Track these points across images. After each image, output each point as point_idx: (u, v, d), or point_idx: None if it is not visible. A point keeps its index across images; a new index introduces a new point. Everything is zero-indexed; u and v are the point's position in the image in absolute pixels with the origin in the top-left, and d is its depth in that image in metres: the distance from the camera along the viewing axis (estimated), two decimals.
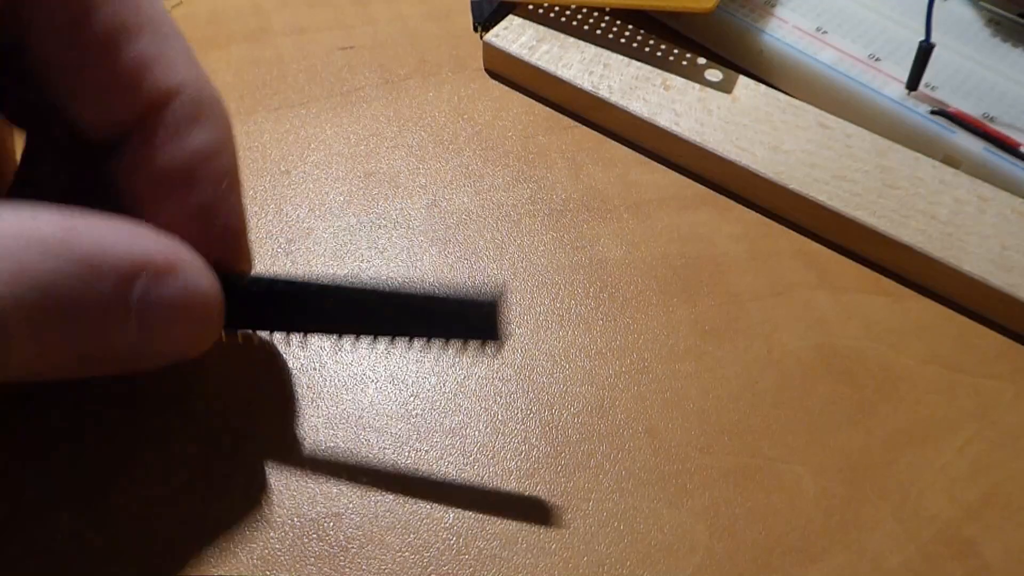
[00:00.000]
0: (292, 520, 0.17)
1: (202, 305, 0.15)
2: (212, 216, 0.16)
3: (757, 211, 0.23)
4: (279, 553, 0.17)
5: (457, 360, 0.20)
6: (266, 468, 0.18)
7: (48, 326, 0.13)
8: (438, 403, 0.19)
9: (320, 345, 0.20)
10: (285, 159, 0.24)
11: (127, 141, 0.16)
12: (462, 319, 0.16)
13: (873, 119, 0.24)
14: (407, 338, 0.17)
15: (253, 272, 0.19)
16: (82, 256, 0.14)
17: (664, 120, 0.24)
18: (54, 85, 0.16)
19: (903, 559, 0.17)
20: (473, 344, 0.17)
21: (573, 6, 0.26)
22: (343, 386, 0.19)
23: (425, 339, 0.17)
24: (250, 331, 0.18)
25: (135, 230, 0.14)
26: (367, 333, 0.17)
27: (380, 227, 0.22)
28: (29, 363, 0.14)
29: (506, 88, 0.26)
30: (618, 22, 0.26)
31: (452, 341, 0.17)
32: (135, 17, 0.15)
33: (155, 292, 0.14)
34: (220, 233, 0.17)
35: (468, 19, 0.28)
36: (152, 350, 0.15)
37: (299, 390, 0.19)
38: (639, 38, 0.26)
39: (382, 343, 0.17)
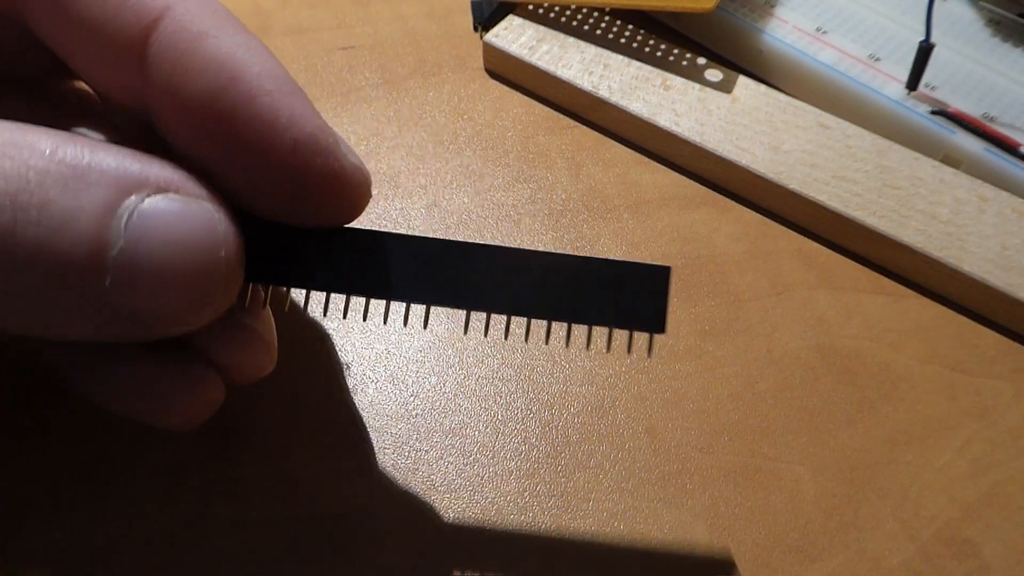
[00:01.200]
0: (292, 520, 0.17)
1: (205, 244, 0.13)
2: (270, 134, 0.13)
3: (757, 211, 0.23)
4: (279, 553, 0.17)
5: (458, 360, 0.20)
6: (266, 468, 0.18)
7: (22, 237, 0.11)
8: (438, 403, 0.19)
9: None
10: None
11: (146, 92, 0.14)
12: (610, 293, 0.13)
13: (873, 119, 0.24)
14: (518, 316, 0.13)
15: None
16: (71, 161, 0.12)
17: (664, 120, 0.24)
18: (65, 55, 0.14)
19: (903, 559, 0.17)
20: (622, 333, 0.13)
21: (573, 6, 0.26)
22: (343, 386, 0.19)
23: (546, 319, 0.13)
24: (295, 290, 0.15)
25: (134, 152, 0.13)
26: (461, 305, 0.14)
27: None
28: None
29: (506, 88, 0.26)
30: (618, 22, 0.26)
31: (600, 326, 0.13)
32: None
33: (144, 219, 0.12)
34: (286, 154, 0.13)
35: (468, 19, 0.28)
36: (140, 296, 0.12)
37: (299, 390, 0.19)
38: (639, 38, 0.26)
39: (479, 320, 0.14)
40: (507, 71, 0.26)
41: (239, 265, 0.14)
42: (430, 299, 0.14)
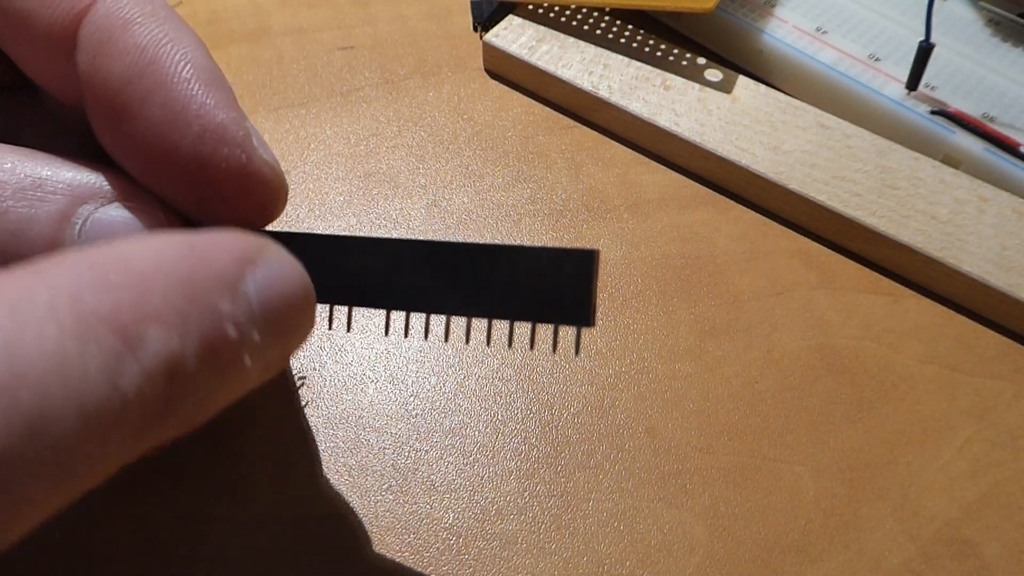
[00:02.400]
0: (292, 520, 0.17)
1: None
2: (187, 126, 0.13)
3: (757, 211, 0.23)
4: (279, 553, 0.17)
5: (458, 360, 0.20)
6: (266, 468, 0.18)
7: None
8: (438, 403, 0.19)
9: (320, 345, 0.20)
10: (285, 159, 0.24)
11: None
12: (532, 284, 0.12)
13: (873, 119, 0.24)
14: (434, 313, 0.13)
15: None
16: (30, 173, 0.13)
17: (664, 120, 0.24)
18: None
19: (903, 559, 0.17)
20: (547, 327, 0.12)
21: (573, 6, 0.26)
22: (343, 386, 0.19)
23: (464, 316, 0.13)
24: None
25: (91, 165, 0.13)
26: (398, 307, 0.13)
27: (380, 227, 0.22)
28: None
29: (506, 88, 0.26)
30: (618, 22, 0.26)
31: (521, 321, 0.13)
32: None
33: (101, 218, 0.13)
34: (194, 141, 0.13)
35: (468, 19, 0.28)
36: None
37: (299, 390, 0.19)
38: (639, 38, 0.26)
39: (399, 321, 0.13)
40: (507, 71, 0.26)
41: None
42: (329, 299, 0.14)
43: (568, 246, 0.12)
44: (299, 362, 0.20)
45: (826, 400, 0.20)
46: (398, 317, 0.14)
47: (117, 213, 0.13)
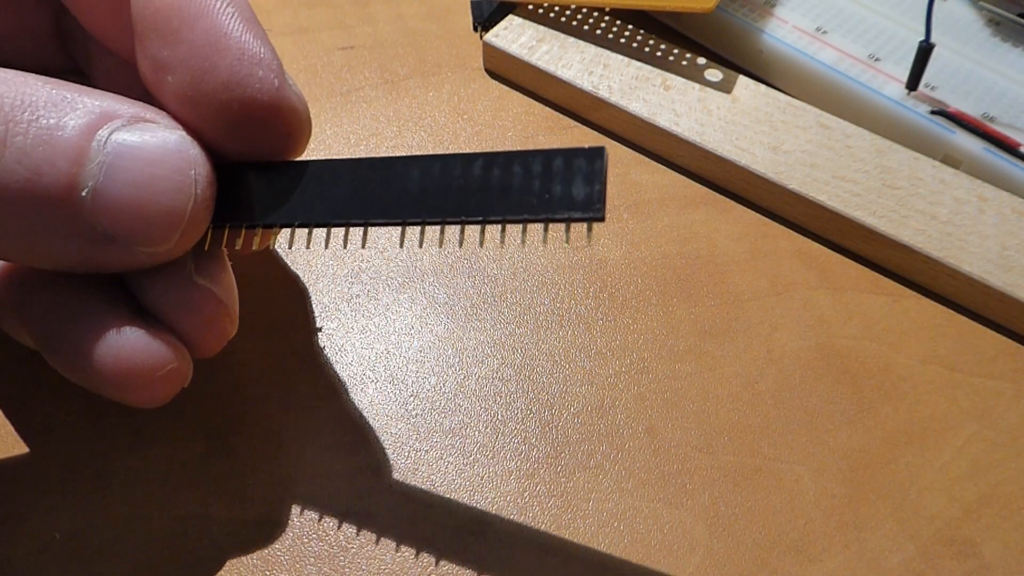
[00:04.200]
0: (292, 520, 0.17)
1: (176, 163, 0.14)
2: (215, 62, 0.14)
3: (757, 211, 0.23)
4: (279, 553, 0.17)
5: (458, 360, 0.20)
6: (266, 468, 0.18)
7: (11, 145, 0.13)
8: (438, 403, 0.19)
9: (320, 345, 0.20)
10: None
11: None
12: (542, 184, 0.13)
13: (873, 119, 0.24)
14: (450, 222, 0.14)
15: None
16: (61, 91, 0.13)
17: (664, 120, 0.24)
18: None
19: (903, 559, 0.17)
20: (560, 226, 0.13)
21: (573, 6, 0.26)
22: (343, 386, 0.19)
23: (479, 222, 0.13)
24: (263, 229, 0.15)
25: (104, 92, 0.14)
26: (392, 217, 0.14)
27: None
28: None
29: (506, 88, 0.26)
30: (618, 22, 0.26)
31: (533, 219, 0.13)
32: None
33: (122, 139, 0.14)
34: (232, 62, 0.14)
35: (468, 19, 0.28)
36: (116, 210, 0.14)
37: (299, 390, 0.19)
38: (639, 38, 0.26)
39: (432, 233, 0.14)
40: (507, 71, 0.26)
41: (210, 187, 0.14)
42: (362, 217, 0.14)
43: (575, 146, 0.13)
44: (299, 360, 0.20)
45: (826, 400, 0.20)
46: (414, 233, 0.14)
47: (143, 128, 0.14)
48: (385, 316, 0.21)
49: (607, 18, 0.26)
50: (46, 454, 0.18)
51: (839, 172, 0.23)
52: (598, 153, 0.13)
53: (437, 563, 0.17)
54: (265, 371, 0.19)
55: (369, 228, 0.14)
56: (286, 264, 0.22)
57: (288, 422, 0.19)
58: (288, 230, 0.15)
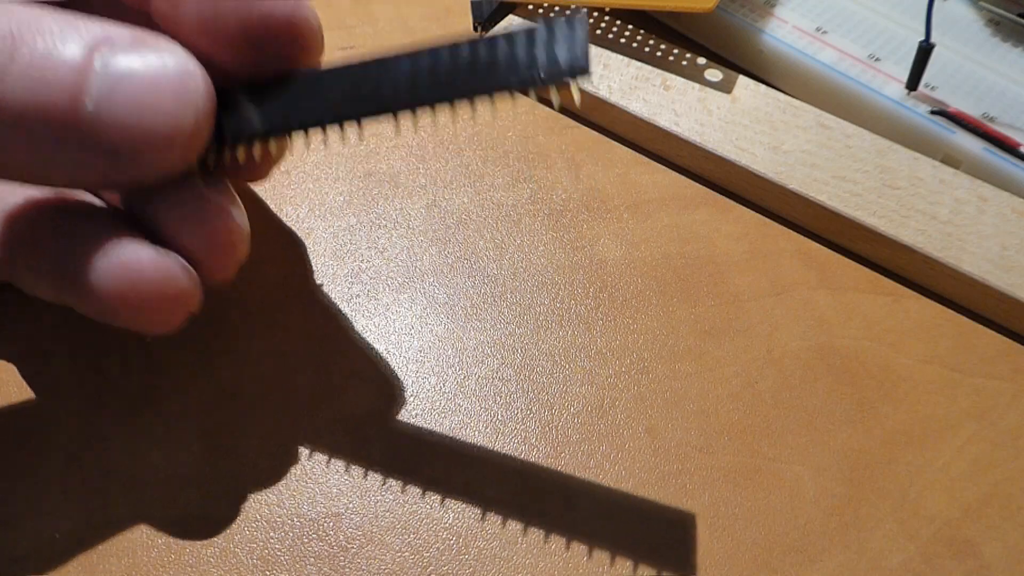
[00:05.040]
0: (292, 520, 0.17)
1: (177, 77, 0.14)
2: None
3: (757, 211, 0.23)
4: (279, 553, 0.17)
5: (458, 360, 0.20)
6: (266, 468, 0.18)
7: (19, 60, 0.13)
8: (438, 403, 0.19)
9: (320, 345, 0.20)
10: (285, 159, 0.24)
11: None
12: (528, 53, 0.14)
13: (873, 119, 0.24)
14: (471, 99, 0.14)
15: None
16: (67, 14, 0.14)
17: (664, 120, 0.24)
18: None
19: (903, 559, 0.17)
20: (551, 85, 0.14)
21: (573, 6, 0.26)
22: (343, 386, 0.19)
23: (491, 94, 0.14)
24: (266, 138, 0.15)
25: (104, 18, 0.15)
26: (412, 106, 0.14)
27: (380, 227, 0.22)
28: None
29: None
30: (618, 22, 0.26)
31: (521, 89, 0.14)
32: None
33: (123, 58, 0.14)
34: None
35: (468, 19, 0.28)
36: (119, 122, 0.14)
37: (299, 390, 0.19)
38: (639, 38, 0.26)
39: (442, 113, 0.14)
40: None
41: (210, 101, 0.15)
42: (356, 114, 0.15)
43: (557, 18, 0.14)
44: (299, 360, 0.20)
45: (826, 400, 0.20)
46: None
47: (144, 45, 0.14)
48: (385, 316, 0.21)
49: (607, 18, 0.26)
50: (46, 454, 0.18)
51: (839, 172, 0.23)
52: (579, 18, 0.14)
53: (437, 563, 0.17)
54: (265, 371, 0.19)
55: (364, 124, 0.15)
56: (286, 264, 0.22)
57: (288, 422, 0.19)
58: (289, 137, 0.15)
